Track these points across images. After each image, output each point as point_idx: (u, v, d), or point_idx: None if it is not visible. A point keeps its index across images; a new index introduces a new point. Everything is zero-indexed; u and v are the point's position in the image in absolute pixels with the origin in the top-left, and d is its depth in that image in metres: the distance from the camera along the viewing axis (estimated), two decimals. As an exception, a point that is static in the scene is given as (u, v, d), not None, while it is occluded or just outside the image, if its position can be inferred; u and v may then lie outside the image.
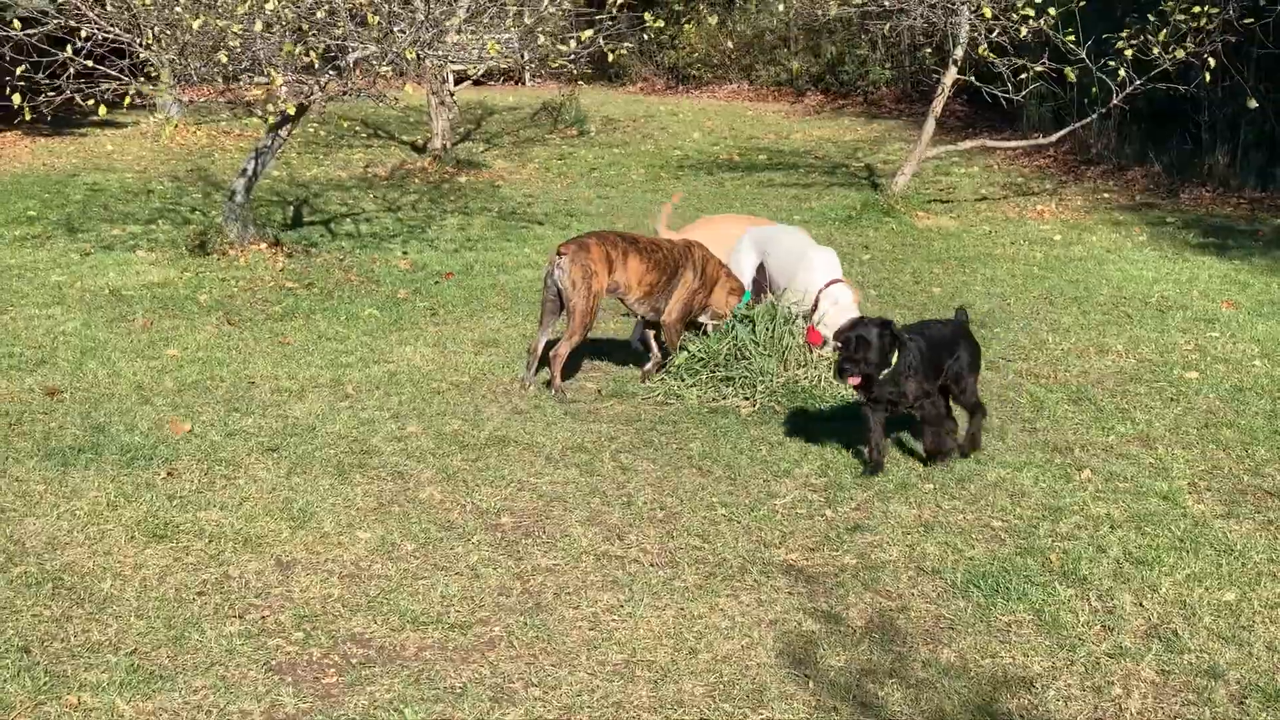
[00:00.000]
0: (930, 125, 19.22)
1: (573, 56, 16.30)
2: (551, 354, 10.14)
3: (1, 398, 9.78)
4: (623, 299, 10.35)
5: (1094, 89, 17.87)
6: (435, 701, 5.69)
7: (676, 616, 6.43)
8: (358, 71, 15.01)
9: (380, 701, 5.70)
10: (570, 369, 10.35)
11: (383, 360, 10.96)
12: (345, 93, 15.29)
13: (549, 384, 10.06)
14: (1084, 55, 17.07)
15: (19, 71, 13.87)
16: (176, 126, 23.42)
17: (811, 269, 10.42)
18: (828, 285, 10.22)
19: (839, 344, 8.14)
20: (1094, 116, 19.19)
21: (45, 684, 5.77)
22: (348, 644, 6.22)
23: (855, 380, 8.04)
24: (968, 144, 20.50)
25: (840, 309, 9.91)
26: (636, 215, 17.97)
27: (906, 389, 8.15)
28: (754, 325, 9.84)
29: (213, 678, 5.89)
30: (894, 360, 8.07)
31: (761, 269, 11.20)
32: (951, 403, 8.63)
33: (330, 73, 14.77)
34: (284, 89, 14.77)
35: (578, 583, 6.83)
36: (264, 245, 15.09)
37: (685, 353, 10.04)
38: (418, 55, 14.76)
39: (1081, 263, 15.00)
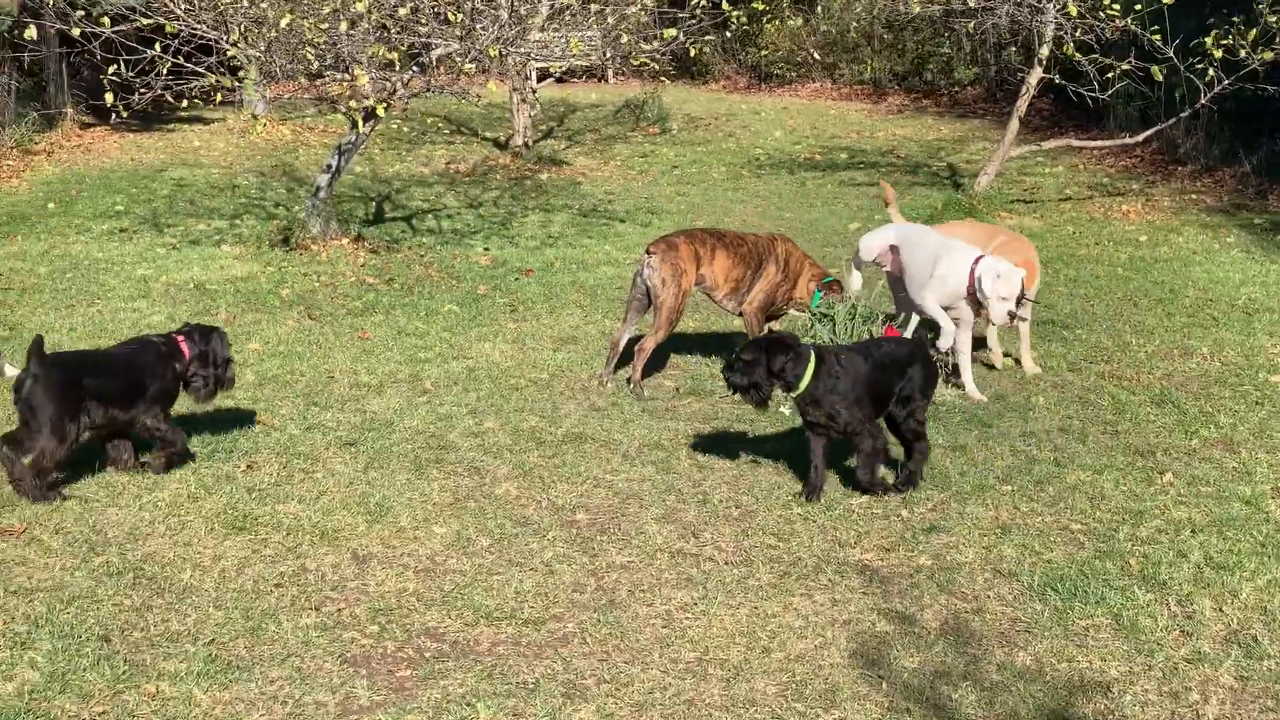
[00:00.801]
0: (1014, 124, 19.07)
1: (655, 54, 16.30)
2: (637, 349, 10.22)
3: (86, 389, 9.88)
4: (710, 295, 10.45)
5: (1181, 88, 17.65)
6: (508, 697, 5.71)
7: (750, 615, 6.41)
8: (440, 68, 15.08)
9: (453, 696, 5.72)
10: (649, 367, 10.35)
11: (462, 356, 11.00)
12: (428, 89, 15.37)
13: (628, 380, 10.08)
14: (1171, 54, 16.87)
15: (110, 71, 14.03)
16: (264, 124, 23.60)
17: (952, 252, 9.97)
18: (977, 261, 9.77)
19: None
20: (1182, 116, 18.96)
21: (124, 673, 5.84)
22: (422, 638, 6.25)
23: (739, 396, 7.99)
24: (1052, 143, 20.32)
25: (1006, 278, 9.48)
26: (717, 213, 17.94)
27: (837, 413, 7.73)
28: (834, 323, 9.79)
29: (289, 669, 5.93)
30: (804, 379, 7.73)
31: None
32: (894, 433, 8.12)
33: (413, 69, 14.85)
34: (368, 85, 14.86)
35: (652, 580, 6.83)
36: (346, 241, 15.19)
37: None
38: (500, 52, 14.81)
39: (1167, 264, 14.83)
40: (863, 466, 7.77)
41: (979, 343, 10.60)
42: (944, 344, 9.61)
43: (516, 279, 14.04)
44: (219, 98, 14.54)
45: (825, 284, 10.58)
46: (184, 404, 8.89)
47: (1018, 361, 10.56)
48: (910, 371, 7.92)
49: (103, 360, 8.16)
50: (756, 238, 10.64)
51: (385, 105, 14.48)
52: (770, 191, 19.90)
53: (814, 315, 10.10)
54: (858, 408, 7.70)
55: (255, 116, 20.65)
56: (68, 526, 7.37)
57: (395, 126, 23.55)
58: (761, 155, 23.34)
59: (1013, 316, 9.47)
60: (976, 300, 9.55)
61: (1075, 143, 20.85)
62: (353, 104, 14.53)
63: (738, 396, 7.99)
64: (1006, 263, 9.52)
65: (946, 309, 9.69)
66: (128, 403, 7.95)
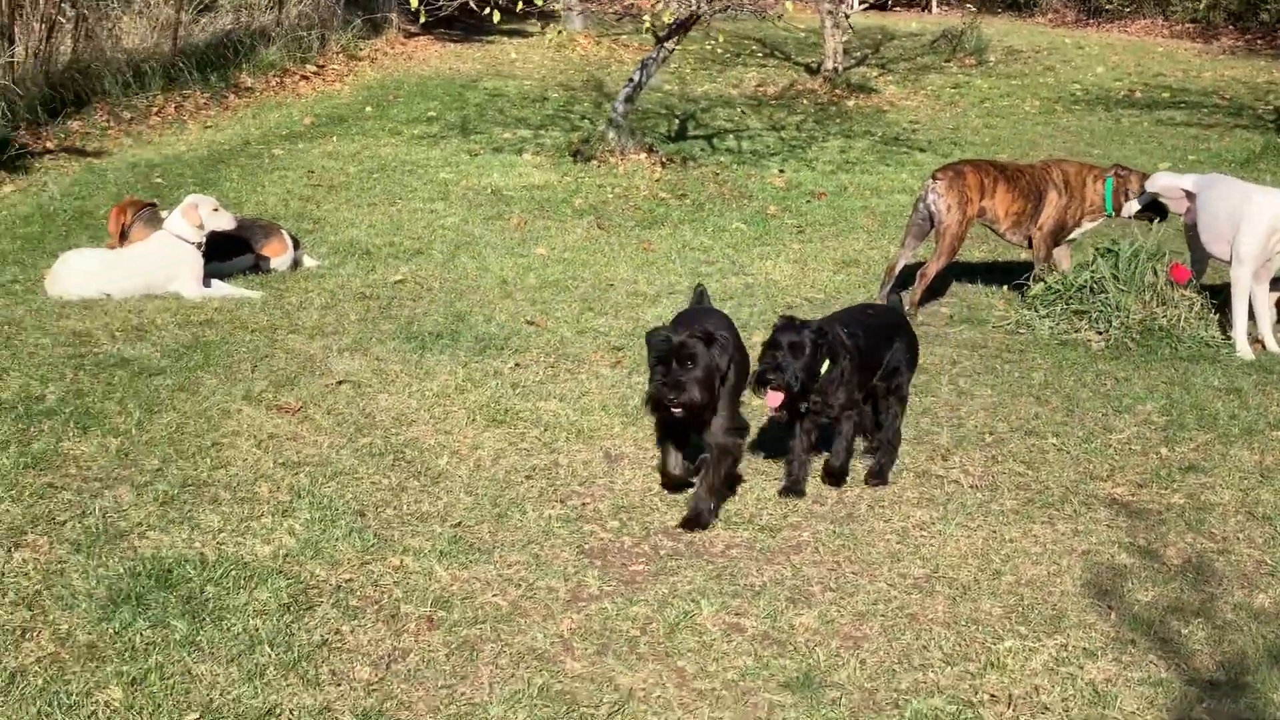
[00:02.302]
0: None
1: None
2: (920, 273, 10.26)
3: (375, 283, 10.29)
4: (992, 228, 10.39)
5: None
6: (733, 596, 5.80)
7: (987, 538, 6.37)
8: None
9: (680, 592, 5.84)
10: (929, 292, 10.29)
11: (742, 273, 11.09)
12: (729, 7, 15.42)
13: (902, 302, 10.06)
14: None
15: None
16: (557, 35, 23.91)
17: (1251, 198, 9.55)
18: None
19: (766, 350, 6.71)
20: None
21: (373, 545, 6.11)
22: (659, 536, 6.39)
23: (776, 398, 6.57)
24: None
25: None
26: (1023, 147, 17.60)
27: (834, 399, 6.82)
28: (1116, 259, 9.56)
29: (527, 555, 6.13)
30: (823, 371, 6.73)
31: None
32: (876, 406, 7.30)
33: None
34: (672, 1, 14.98)
35: (893, 497, 6.83)
36: (643, 155, 15.39)
37: (1042, 284, 9.87)
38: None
39: None
40: (842, 452, 6.94)
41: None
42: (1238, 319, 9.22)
43: (808, 202, 14.03)
44: (519, 6, 14.77)
45: (1115, 175, 10.33)
46: (468, 301, 9.19)
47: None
48: (896, 341, 7.17)
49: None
50: (1033, 168, 10.48)
51: (688, 21, 14.57)
52: (1082, 128, 19.41)
53: (1098, 250, 9.86)
54: (857, 391, 6.94)
55: (559, 31, 20.87)
56: (340, 408, 7.71)
57: (710, 48, 23.64)
58: (1078, 90, 22.75)
59: None
60: None
61: None
62: (655, 19, 14.67)
63: (769, 402, 6.68)
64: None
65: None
66: None
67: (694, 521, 6.45)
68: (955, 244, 10.10)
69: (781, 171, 15.51)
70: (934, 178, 10.21)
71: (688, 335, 6.21)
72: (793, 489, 6.85)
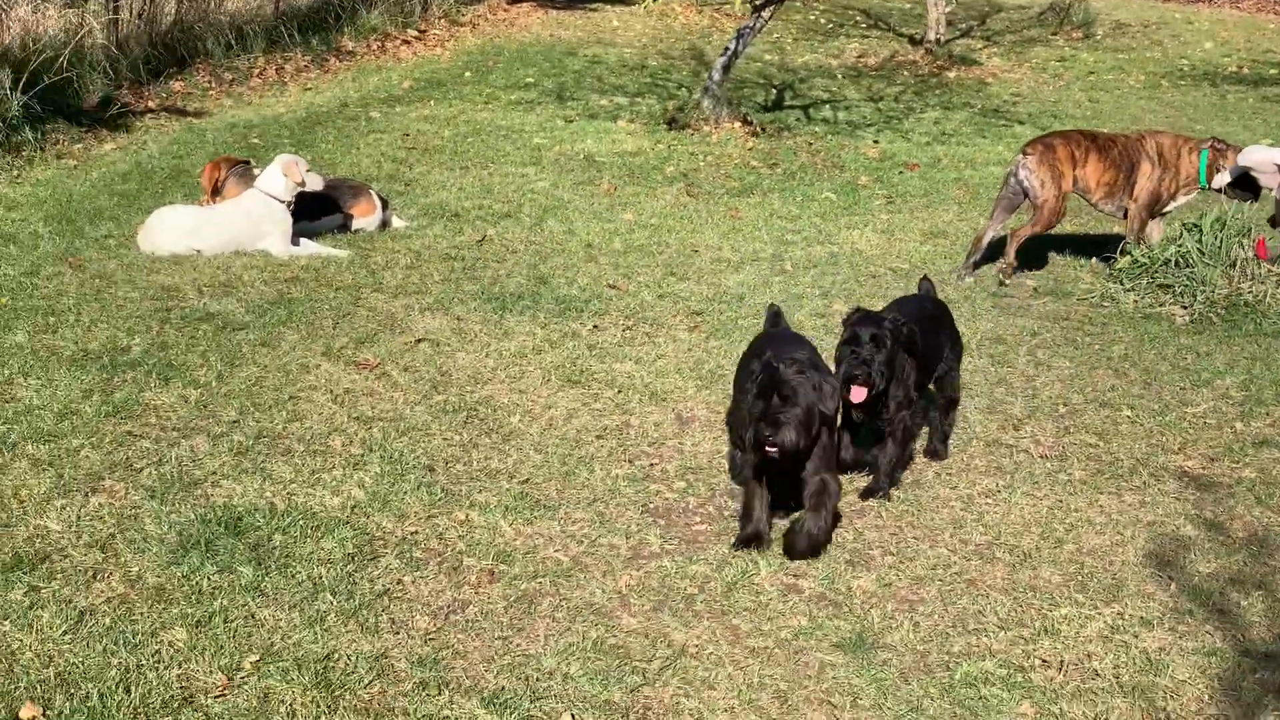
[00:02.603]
0: None
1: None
2: (1011, 234, 10.26)
3: (462, 245, 10.39)
4: (1085, 198, 10.33)
5: None
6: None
7: (1052, 507, 6.35)
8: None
9: (740, 553, 5.87)
10: (1015, 266, 10.24)
11: (828, 241, 11.07)
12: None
13: (975, 271, 10.05)
14: None
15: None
16: (669, 5, 23.92)
17: None
18: None
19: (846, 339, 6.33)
20: None
21: (440, 499, 6.21)
22: (724, 497, 6.43)
23: (861, 394, 6.22)
24: None
25: None
26: (1125, 121, 17.38)
27: (892, 397, 6.39)
28: (1201, 234, 9.47)
29: (592, 513, 6.19)
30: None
31: None
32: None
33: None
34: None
35: (961, 465, 6.83)
36: (737, 124, 15.38)
37: (1128, 257, 9.79)
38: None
39: None
40: (894, 458, 6.50)
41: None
42: None
43: (900, 172, 13.96)
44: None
45: (1211, 148, 10.21)
46: (551, 264, 9.27)
47: None
48: (944, 329, 6.87)
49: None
50: (1126, 138, 10.37)
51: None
52: (1186, 103, 19.14)
53: (1184, 224, 9.76)
54: (909, 385, 6.47)
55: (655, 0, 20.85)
56: (417, 366, 7.81)
57: (812, 18, 23.56)
58: (1185, 65, 22.43)
59: None
60: None
61: None
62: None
63: (855, 398, 6.29)
64: None
65: None
66: None
67: (806, 550, 5.81)
68: (1053, 218, 10.06)
69: (876, 142, 15.44)
70: (1024, 152, 10.16)
71: (793, 369, 5.62)
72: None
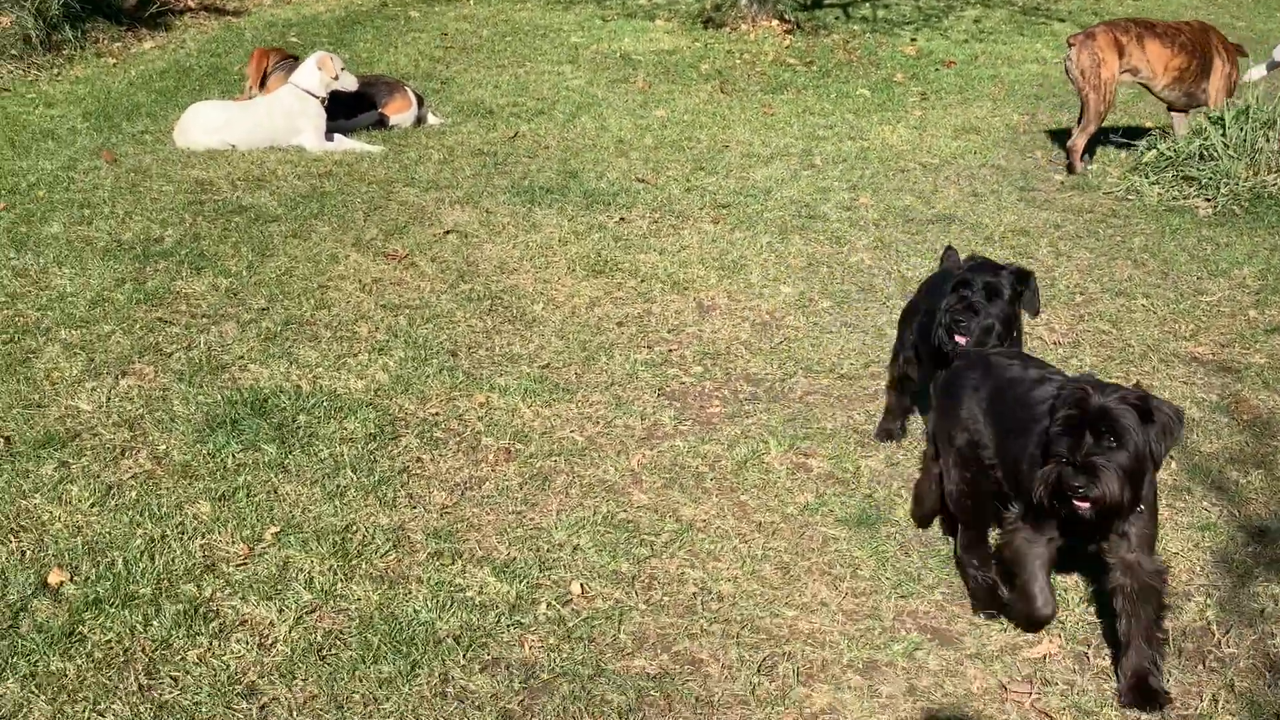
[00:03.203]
0: None
1: None
2: (1068, 145, 10.23)
3: (494, 140, 10.49)
4: (1148, 86, 10.28)
5: None
6: (803, 439, 5.96)
7: (1061, 392, 6.44)
8: None
9: (751, 432, 6.00)
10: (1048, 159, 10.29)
11: (858, 137, 11.11)
12: None
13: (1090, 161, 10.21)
14: None
15: None
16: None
17: None
18: None
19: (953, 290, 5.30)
20: None
21: (461, 383, 6.35)
22: (740, 381, 6.55)
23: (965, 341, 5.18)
24: None
25: None
26: (1164, 17, 17.23)
27: None
28: (1225, 127, 9.47)
29: (609, 395, 6.33)
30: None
31: None
32: None
33: None
34: None
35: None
36: (774, 22, 15.39)
37: (1154, 151, 9.79)
38: None
39: None
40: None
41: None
42: None
43: (936, 70, 13.96)
44: None
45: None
46: (582, 160, 9.35)
47: None
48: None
49: None
50: (1189, 26, 10.33)
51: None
52: (1229, 0, 18.98)
53: (1209, 117, 9.76)
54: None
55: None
56: (445, 256, 7.95)
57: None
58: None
59: None
60: None
61: None
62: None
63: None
64: None
65: None
66: None
67: (1146, 697, 4.29)
68: (1100, 108, 10.04)
69: (914, 40, 15.41)
70: (1069, 44, 10.17)
71: (1117, 398, 4.16)
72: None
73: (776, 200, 9.20)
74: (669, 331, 7.09)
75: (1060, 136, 10.68)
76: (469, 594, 4.74)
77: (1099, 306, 7.48)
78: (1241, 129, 9.32)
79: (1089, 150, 10.27)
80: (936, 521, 5.27)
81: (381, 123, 10.74)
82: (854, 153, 10.58)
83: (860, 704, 4.25)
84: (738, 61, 13.78)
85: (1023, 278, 5.29)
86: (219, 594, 4.67)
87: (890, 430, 5.99)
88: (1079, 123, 10.17)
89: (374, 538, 5.05)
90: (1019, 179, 9.97)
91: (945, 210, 9.13)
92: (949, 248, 6.04)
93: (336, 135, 10.18)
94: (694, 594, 4.81)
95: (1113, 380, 6.23)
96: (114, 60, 12.85)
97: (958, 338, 5.17)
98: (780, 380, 6.55)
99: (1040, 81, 13.54)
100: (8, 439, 5.62)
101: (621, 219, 8.71)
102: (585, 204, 8.95)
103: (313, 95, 10.01)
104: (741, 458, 5.77)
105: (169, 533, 5.02)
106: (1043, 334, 7.09)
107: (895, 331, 6.64)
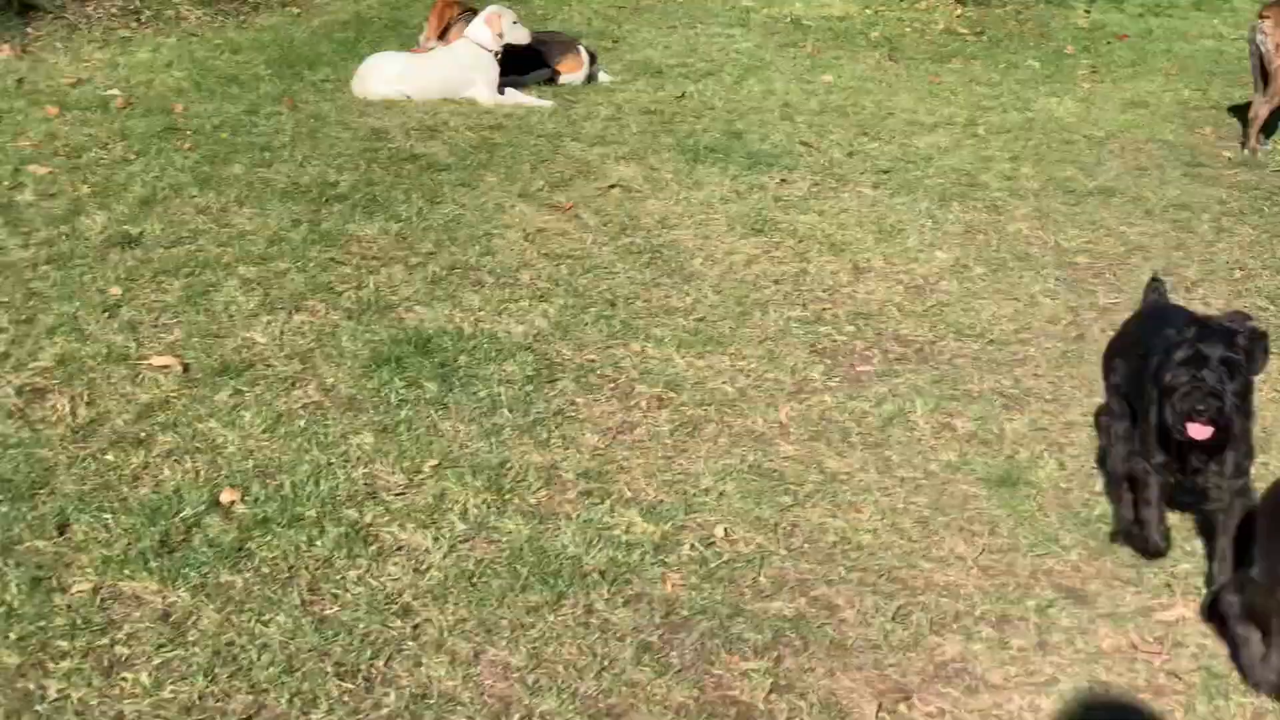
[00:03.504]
0: None
1: None
2: (1250, 114, 10.10)
3: (662, 100, 10.67)
4: None
5: None
6: (950, 400, 6.06)
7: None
8: None
9: (899, 391, 6.12)
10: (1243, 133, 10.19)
11: (1024, 108, 11.11)
12: None
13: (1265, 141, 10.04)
14: None
15: None
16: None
17: None
18: None
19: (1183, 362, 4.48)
20: None
21: (618, 332, 6.54)
22: (890, 341, 6.66)
23: (1205, 432, 4.46)
24: None
25: None
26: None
27: (1235, 450, 4.64)
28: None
29: (761, 350, 6.47)
30: None
31: None
32: None
33: None
34: None
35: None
36: (949, -9, 15.37)
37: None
38: None
39: None
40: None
41: None
42: None
43: (1108, 43, 13.86)
44: None
45: None
46: (747, 121, 9.47)
47: None
48: None
49: None
50: None
51: None
52: None
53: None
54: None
55: None
56: (608, 210, 8.13)
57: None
58: None
59: None
60: None
61: None
62: None
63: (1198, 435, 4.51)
64: None
65: None
66: None
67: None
68: None
69: (1088, 12, 15.31)
70: (1260, 16, 10.02)
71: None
72: (1151, 549, 4.90)
73: (937, 167, 9.26)
74: (823, 291, 7.21)
75: (1236, 113, 10.57)
76: (616, 532, 4.91)
77: (1258, 282, 7.47)
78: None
79: (1266, 129, 10.13)
80: (1077, 483, 5.35)
81: (554, 79, 10.94)
82: (1019, 123, 10.59)
83: (990, 655, 4.37)
84: (907, 30, 13.81)
85: (1257, 338, 4.52)
86: (378, 520, 4.89)
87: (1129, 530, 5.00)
88: (1264, 95, 9.98)
89: (527, 475, 5.25)
90: (1185, 154, 9.92)
91: (1107, 183, 9.12)
92: (1155, 279, 5.45)
93: (509, 89, 10.40)
94: (834, 542, 4.94)
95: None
96: (298, 10, 13.23)
97: (1192, 433, 4.47)
98: (930, 342, 6.65)
99: (1215, 58, 13.38)
100: (187, 366, 5.91)
101: (783, 180, 8.83)
102: (748, 164, 9.08)
103: (486, 49, 10.24)
104: (888, 415, 5.88)
105: (334, 460, 5.26)
106: (1198, 308, 7.08)
107: (1049, 300, 6.73)
